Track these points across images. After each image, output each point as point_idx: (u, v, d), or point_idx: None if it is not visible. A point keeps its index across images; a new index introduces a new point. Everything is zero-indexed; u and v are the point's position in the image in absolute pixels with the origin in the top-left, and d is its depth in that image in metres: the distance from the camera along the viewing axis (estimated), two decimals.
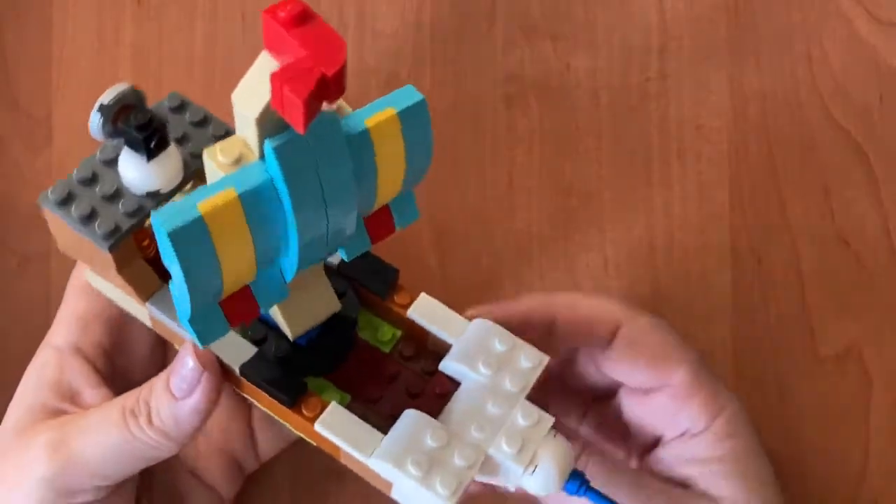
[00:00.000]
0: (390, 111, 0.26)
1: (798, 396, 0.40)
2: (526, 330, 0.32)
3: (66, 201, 0.29)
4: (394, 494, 0.30)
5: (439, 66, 0.42)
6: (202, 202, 0.24)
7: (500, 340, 0.30)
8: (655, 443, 0.35)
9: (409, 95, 0.27)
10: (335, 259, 0.32)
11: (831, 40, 0.43)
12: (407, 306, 0.32)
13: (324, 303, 0.31)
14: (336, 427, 0.29)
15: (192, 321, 0.26)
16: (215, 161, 0.26)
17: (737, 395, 0.34)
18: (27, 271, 0.42)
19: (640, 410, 0.35)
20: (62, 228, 0.30)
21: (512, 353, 0.30)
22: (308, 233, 0.26)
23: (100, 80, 0.42)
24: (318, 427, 0.29)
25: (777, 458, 0.39)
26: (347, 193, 0.26)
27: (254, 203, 0.25)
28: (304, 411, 0.29)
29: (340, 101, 0.27)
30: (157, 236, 0.24)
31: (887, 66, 0.42)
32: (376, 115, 0.26)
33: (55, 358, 0.34)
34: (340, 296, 0.31)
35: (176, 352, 0.31)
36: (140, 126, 0.28)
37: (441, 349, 0.31)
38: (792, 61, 0.42)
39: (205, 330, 0.27)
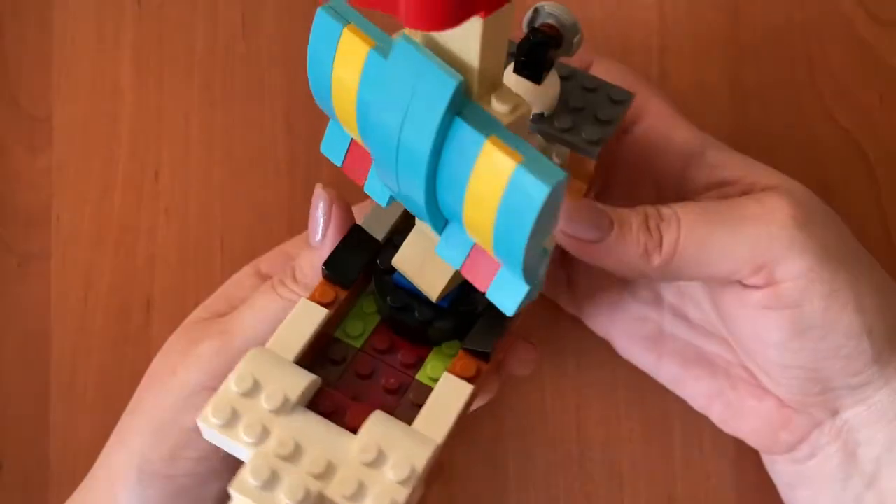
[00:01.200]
0: (513, 159, 0.22)
1: None
2: None
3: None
4: None
5: None
6: (354, 27, 0.24)
7: (395, 465, 0.26)
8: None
9: (548, 173, 0.22)
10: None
11: (831, 40, 0.42)
12: (453, 373, 0.29)
13: (429, 279, 0.30)
14: (295, 320, 0.29)
15: (329, 127, 0.28)
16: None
17: None
18: (27, 271, 0.42)
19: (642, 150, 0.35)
20: None
21: (386, 475, 0.26)
22: (379, 149, 0.25)
23: (100, 81, 0.42)
24: (298, 303, 0.29)
25: None
26: (417, 149, 0.23)
27: (374, 68, 0.24)
28: (316, 290, 0.30)
29: (509, 98, 0.24)
30: None
31: (887, 66, 0.42)
32: (506, 145, 0.22)
33: (251, 278, 0.35)
34: (467, 315, 0.30)
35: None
36: (532, 45, 0.28)
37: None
38: (792, 61, 0.42)
39: (328, 142, 0.28)
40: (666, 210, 0.31)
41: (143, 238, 0.41)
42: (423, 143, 0.23)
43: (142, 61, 0.42)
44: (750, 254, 0.30)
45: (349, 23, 0.24)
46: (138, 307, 0.41)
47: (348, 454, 0.26)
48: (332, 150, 0.28)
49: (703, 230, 0.30)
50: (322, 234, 0.31)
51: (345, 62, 0.24)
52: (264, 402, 0.26)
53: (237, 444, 0.26)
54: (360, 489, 0.25)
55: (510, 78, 0.29)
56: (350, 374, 0.30)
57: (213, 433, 0.27)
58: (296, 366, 0.28)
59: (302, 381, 0.27)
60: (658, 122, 0.35)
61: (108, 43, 0.43)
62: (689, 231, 0.30)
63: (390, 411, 0.28)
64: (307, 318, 0.29)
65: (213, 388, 0.29)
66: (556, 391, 0.41)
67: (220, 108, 0.42)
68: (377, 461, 0.26)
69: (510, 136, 0.23)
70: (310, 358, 0.29)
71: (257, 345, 0.29)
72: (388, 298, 0.31)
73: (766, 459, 0.36)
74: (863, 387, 0.33)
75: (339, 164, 0.28)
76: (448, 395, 0.28)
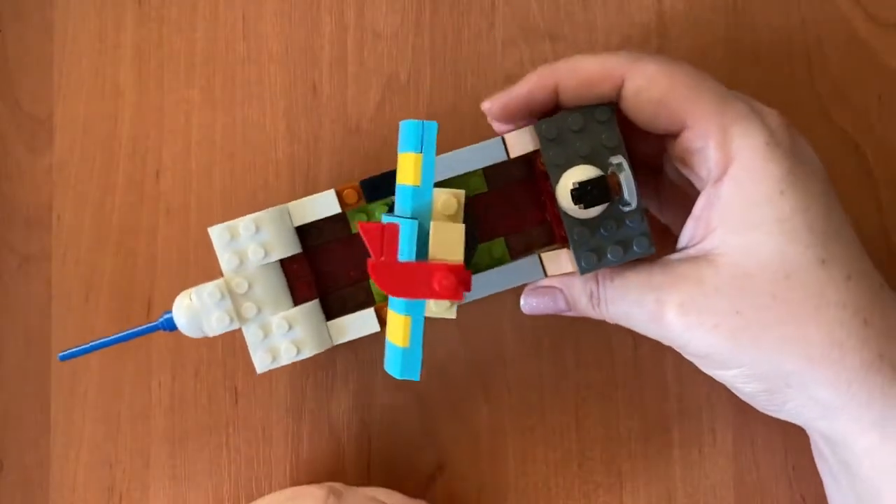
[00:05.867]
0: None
1: None
2: (532, 108, 0.34)
3: (553, 140, 0.35)
4: None
5: (439, 67, 0.42)
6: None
7: (290, 344, 0.36)
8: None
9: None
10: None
11: (830, 41, 0.43)
12: (376, 310, 0.37)
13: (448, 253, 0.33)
14: (316, 200, 0.36)
15: None
16: None
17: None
18: (28, 272, 0.42)
19: (676, 167, 0.36)
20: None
21: (286, 345, 0.36)
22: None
23: (101, 81, 0.42)
24: (329, 190, 0.36)
25: (778, 469, 0.39)
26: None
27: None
28: (345, 189, 0.36)
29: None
30: None
31: (886, 67, 0.42)
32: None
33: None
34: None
35: None
36: (587, 191, 0.34)
37: None
38: (791, 62, 0.43)
39: None
40: (602, 293, 0.36)
41: (143, 238, 0.42)
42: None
43: (142, 61, 0.42)
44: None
45: (420, 153, 0.31)
46: (139, 307, 0.41)
47: (274, 316, 0.36)
48: None
49: (623, 315, 0.35)
50: None
51: (402, 165, 0.32)
52: (251, 250, 0.36)
53: (220, 257, 0.36)
54: (264, 340, 0.36)
55: (568, 182, 0.34)
56: (330, 251, 0.37)
57: (214, 238, 0.36)
58: (293, 233, 0.36)
59: (288, 248, 0.36)
60: (689, 144, 0.34)
61: (108, 43, 0.43)
62: (615, 311, 0.35)
63: (336, 289, 0.37)
64: (324, 205, 0.36)
65: None
66: (556, 391, 0.41)
67: (221, 109, 0.42)
68: (287, 333, 0.36)
69: (419, 326, 0.31)
70: (313, 224, 0.37)
71: None
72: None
73: None
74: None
75: None
76: (361, 322, 0.36)
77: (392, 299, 0.32)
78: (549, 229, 0.38)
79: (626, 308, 0.35)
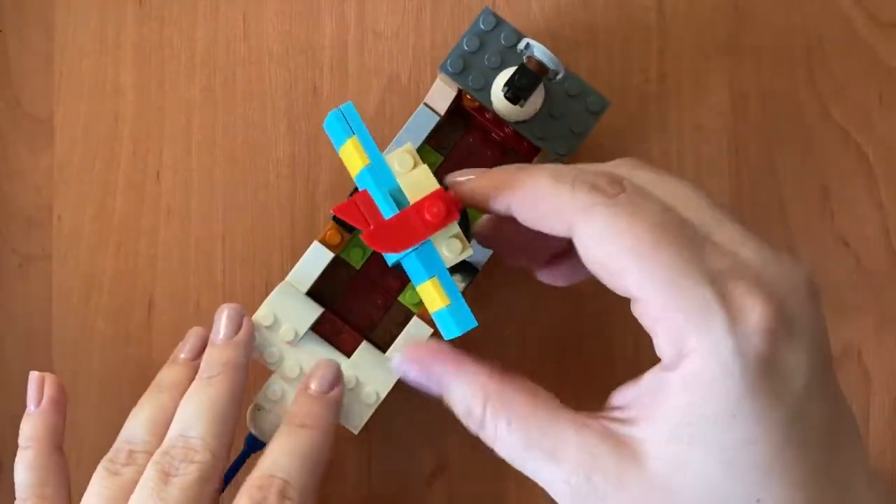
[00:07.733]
0: (441, 302, 0.31)
1: None
2: (487, 205, 0.31)
3: (463, 72, 0.37)
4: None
5: None
6: (356, 141, 0.32)
7: (368, 392, 0.37)
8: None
9: (460, 322, 0.32)
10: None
11: (831, 40, 0.43)
12: (420, 317, 0.38)
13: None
14: (308, 260, 0.38)
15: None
16: None
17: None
18: (28, 272, 0.42)
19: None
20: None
21: (360, 397, 0.37)
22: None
23: (101, 81, 0.42)
24: (311, 245, 0.38)
25: None
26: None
27: (365, 176, 0.32)
28: (327, 233, 0.38)
29: (455, 247, 0.32)
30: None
31: (887, 67, 0.42)
32: (442, 287, 0.31)
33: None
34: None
35: None
36: (517, 85, 0.35)
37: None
38: (792, 61, 0.43)
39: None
40: (494, 432, 0.33)
41: (144, 238, 0.42)
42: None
43: (143, 61, 0.42)
44: None
45: (353, 135, 0.31)
46: (140, 308, 0.41)
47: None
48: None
49: (514, 460, 0.32)
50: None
51: (347, 158, 0.32)
52: (281, 335, 0.37)
53: (261, 359, 0.37)
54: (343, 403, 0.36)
55: (499, 93, 0.36)
56: (348, 293, 0.39)
57: None
58: (307, 299, 0.37)
59: (310, 315, 0.37)
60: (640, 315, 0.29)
61: (109, 43, 0.43)
62: (507, 451, 0.32)
63: (374, 323, 0.39)
64: (317, 259, 0.38)
65: None
66: (557, 391, 0.41)
67: (222, 109, 0.42)
68: (355, 388, 0.37)
69: (448, 279, 0.31)
70: (320, 281, 0.38)
71: None
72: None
73: None
74: None
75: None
76: (412, 334, 0.37)
77: (413, 275, 0.32)
78: (518, 158, 0.39)
79: (521, 454, 0.31)
